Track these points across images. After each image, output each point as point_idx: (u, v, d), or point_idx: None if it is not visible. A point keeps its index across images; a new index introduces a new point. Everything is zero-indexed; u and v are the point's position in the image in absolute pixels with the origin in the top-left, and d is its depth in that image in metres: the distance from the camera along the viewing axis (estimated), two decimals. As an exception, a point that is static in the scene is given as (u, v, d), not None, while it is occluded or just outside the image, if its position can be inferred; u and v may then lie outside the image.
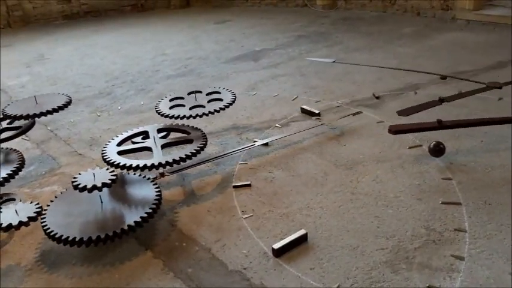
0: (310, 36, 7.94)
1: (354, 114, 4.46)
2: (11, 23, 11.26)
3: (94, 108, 5.42)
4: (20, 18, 11.36)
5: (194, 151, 3.27)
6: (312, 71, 6.02)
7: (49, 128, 4.93)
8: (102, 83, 6.35)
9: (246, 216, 3.10)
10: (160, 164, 3.15)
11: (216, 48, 7.71)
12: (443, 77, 3.51)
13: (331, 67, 6.11)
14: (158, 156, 3.26)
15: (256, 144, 3.93)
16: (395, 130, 3.63)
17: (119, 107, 5.37)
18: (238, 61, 6.84)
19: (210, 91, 4.33)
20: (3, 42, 9.49)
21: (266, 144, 4.06)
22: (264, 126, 4.48)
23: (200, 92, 4.33)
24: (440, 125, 3.45)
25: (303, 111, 4.66)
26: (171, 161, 3.18)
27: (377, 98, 4.89)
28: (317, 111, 4.54)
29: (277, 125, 4.47)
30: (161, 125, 3.88)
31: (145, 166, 3.13)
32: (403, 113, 3.56)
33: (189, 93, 4.29)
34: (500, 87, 3.78)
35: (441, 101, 3.42)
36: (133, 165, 3.15)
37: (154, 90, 5.82)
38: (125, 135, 3.72)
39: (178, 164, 3.23)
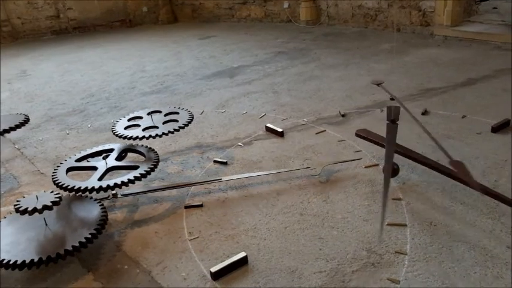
0: (289, 52, 7.99)
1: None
2: (0, 39, 11.36)
3: (65, 126, 5.44)
4: (8, 34, 11.47)
5: (126, 180, 3.24)
6: (285, 88, 6.05)
7: (17, 147, 4.95)
8: (77, 100, 6.38)
9: (191, 238, 3.10)
10: (86, 189, 3.18)
11: (195, 65, 7.76)
12: (392, 99, 3.52)
13: (304, 84, 6.14)
14: (93, 180, 3.27)
15: (223, 179, 3.72)
16: (358, 134, 3.81)
17: (89, 125, 5.39)
18: (214, 78, 6.88)
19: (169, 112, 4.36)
20: (-10, 58, 9.57)
21: (225, 163, 4.08)
22: (227, 145, 4.49)
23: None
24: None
25: (268, 129, 4.68)
26: (97, 187, 3.19)
27: (343, 115, 4.91)
28: (280, 130, 4.55)
29: (239, 143, 4.48)
30: (123, 145, 3.90)
31: (72, 188, 3.19)
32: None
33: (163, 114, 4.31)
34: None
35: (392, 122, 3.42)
36: (64, 186, 3.21)
37: (126, 108, 5.85)
38: (83, 153, 3.77)
39: (105, 191, 3.23)
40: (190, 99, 5.96)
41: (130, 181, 3.24)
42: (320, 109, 5.19)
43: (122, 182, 3.21)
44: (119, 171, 3.69)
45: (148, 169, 3.36)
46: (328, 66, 6.94)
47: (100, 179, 3.30)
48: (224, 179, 3.70)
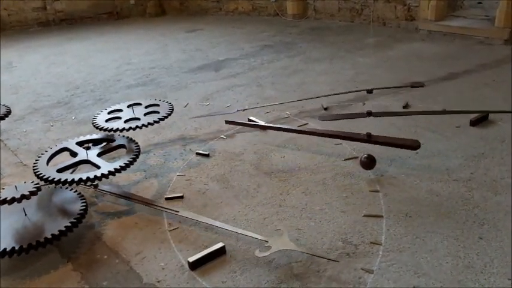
0: (275, 46, 8.02)
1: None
2: (-15, 30, 11.25)
3: (49, 118, 5.43)
4: (-6, 25, 11.35)
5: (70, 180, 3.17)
6: (269, 82, 6.08)
7: (0, 138, 4.94)
8: (63, 93, 6.36)
9: (171, 229, 3.14)
10: (39, 175, 3.22)
11: (182, 58, 7.76)
12: (370, 91, 3.57)
13: (288, 78, 6.18)
14: (52, 170, 3.29)
15: (180, 213, 3.23)
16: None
17: (73, 117, 5.39)
18: (200, 71, 6.89)
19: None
20: (-24, 49, 9.47)
21: (207, 155, 4.11)
22: (210, 137, 4.52)
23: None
24: (368, 139, 3.51)
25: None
26: (46, 176, 3.20)
27: (325, 109, 4.96)
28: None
29: (222, 136, 4.51)
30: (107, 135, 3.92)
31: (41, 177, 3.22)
32: (324, 118, 3.70)
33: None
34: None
35: (369, 114, 3.48)
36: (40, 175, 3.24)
37: (111, 100, 5.84)
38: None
39: (52, 183, 3.20)
40: (175, 92, 5.98)
41: (73, 181, 3.15)
42: (303, 102, 5.23)
43: (66, 179, 3.14)
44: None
45: (100, 174, 3.22)
46: (313, 60, 6.99)
47: (61, 170, 3.29)
48: (181, 213, 3.20)
